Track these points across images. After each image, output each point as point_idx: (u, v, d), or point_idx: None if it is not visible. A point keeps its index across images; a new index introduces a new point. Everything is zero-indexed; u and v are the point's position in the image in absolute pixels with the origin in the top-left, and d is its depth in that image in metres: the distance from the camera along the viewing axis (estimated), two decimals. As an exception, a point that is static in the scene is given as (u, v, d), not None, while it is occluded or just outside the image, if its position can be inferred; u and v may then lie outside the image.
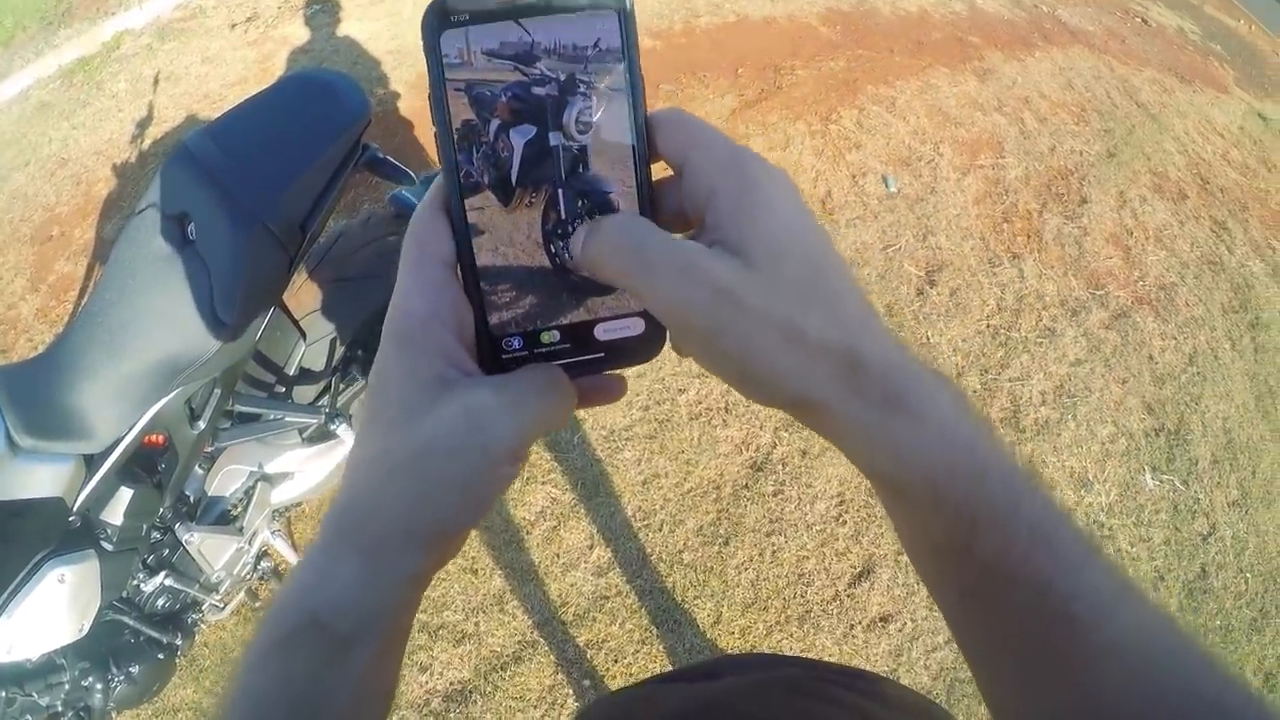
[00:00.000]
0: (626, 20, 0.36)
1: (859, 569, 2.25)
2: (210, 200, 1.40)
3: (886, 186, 3.11)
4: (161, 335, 1.39)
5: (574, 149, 0.36)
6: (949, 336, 2.71)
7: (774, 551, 2.28)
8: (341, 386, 1.98)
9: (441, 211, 0.38)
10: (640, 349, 0.39)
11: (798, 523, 2.32)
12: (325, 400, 1.92)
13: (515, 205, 0.37)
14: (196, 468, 1.77)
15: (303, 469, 2.00)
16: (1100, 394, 2.65)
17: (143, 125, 3.61)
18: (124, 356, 1.39)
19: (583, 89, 0.36)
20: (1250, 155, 4.08)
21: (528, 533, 2.32)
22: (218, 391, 1.58)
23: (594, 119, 0.36)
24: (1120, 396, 2.66)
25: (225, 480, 1.85)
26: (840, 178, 3.17)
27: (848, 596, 2.21)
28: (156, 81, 3.65)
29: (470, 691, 2.11)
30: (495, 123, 0.36)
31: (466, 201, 0.37)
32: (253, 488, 1.89)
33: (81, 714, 1.67)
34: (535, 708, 2.09)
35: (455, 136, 0.36)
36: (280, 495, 1.99)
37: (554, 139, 0.36)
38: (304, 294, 1.82)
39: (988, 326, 2.75)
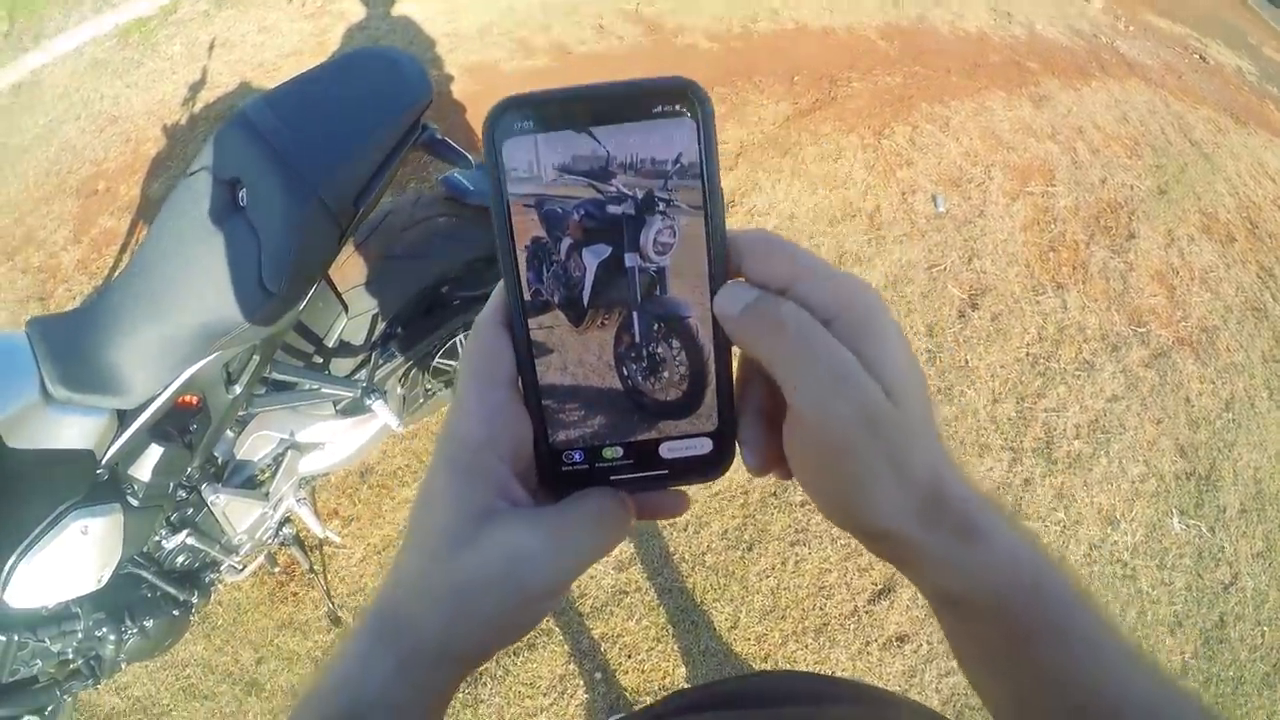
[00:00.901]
0: (706, 128, 0.34)
1: (880, 586, 2.27)
2: (266, 168, 1.40)
3: (935, 206, 3.12)
4: (205, 299, 1.38)
5: (651, 270, 0.35)
6: (988, 361, 2.72)
7: (797, 561, 2.29)
8: (380, 362, 1.98)
9: (505, 329, 0.37)
10: (706, 469, 0.39)
11: (822, 535, 2.33)
12: (362, 374, 1.93)
13: (587, 326, 0.36)
14: (228, 431, 1.77)
15: (333, 440, 2.01)
16: (1134, 432, 2.65)
17: (195, 89, 3.64)
18: (165, 316, 1.38)
19: (661, 208, 0.34)
20: (1302, 202, 4.06)
21: None
22: (256, 358, 1.58)
23: (673, 240, 0.35)
24: (1154, 436, 2.66)
25: (255, 445, 1.86)
26: (890, 194, 3.18)
27: (866, 613, 2.23)
28: (212, 47, 3.68)
29: (481, 673, 2.13)
30: (567, 241, 0.35)
31: (535, 320, 0.36)
32: (282, 455, 1.90)
33: (92, 663, 1.69)
34: (545, 695, 2.10)
35: (523, 254, 0.35)
36: (309, 465, 2.00)
37: (630, 260, 0.35)
38: (349, 268, 1.83)
39: (1027, 354, 2.75)
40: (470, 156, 1.76)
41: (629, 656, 2.17)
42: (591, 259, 0.35)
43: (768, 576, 2.26)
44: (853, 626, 2.20)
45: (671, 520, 2.32)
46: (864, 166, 3.25)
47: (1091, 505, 2.45)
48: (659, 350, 0.37)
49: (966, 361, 2.69)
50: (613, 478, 0.38)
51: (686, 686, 2.20)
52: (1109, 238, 3.22)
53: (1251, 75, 5.07)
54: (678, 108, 0.33)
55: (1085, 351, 2.78)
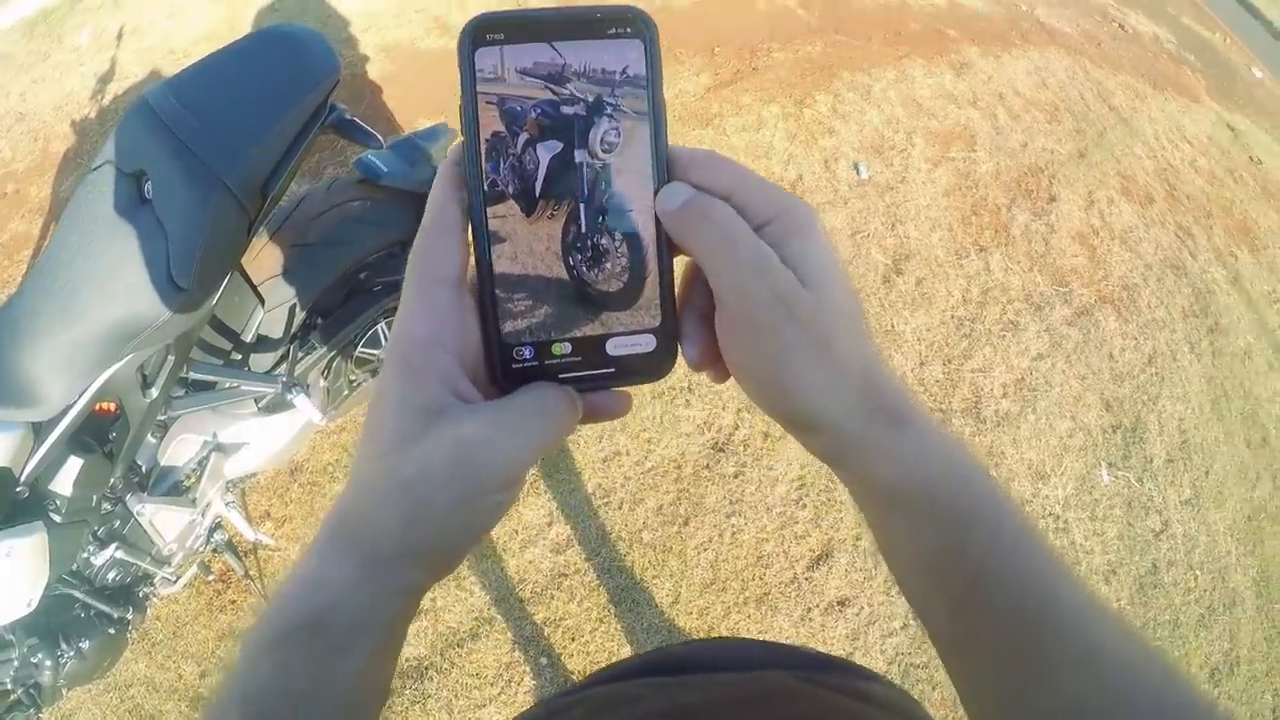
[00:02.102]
0: (651, 48, 0.39)
1: (818, 552, 2.32)
2: (169, 157, 1.36)
3: (858, 173, 3.19)
4: (114, 299, 1.34)
5: (597, 167, 0.39)
6: (914, 325, 2.79)
7: (734, 533, 2.34)
8: (300, 355, 1.96)
9: (445, 229, 0.39)
10: (650, 367, 0.41)
11: (758, 505, 2.38)
12: (283, 369, 1.90)
13: (537, 216, 0.39)
14: (149, 437, 1.74)
15: (258, 439, 1.98)
16: (1060, 389, 2.75)
17: (104, 80, 3.56)
18: (74, 320, 1.34)
19: (609, 111, 0.39)
20: (1217, 164, 4.24)
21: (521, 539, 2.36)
22: (172, 358, 1.54)
23: (618, 140, 0.39)
24: (1079, 392, 2.77)
25: (178, 450, 1.82)
26: (812, 162, 3.24)
27: (806, 580, 2.28)
28: (120, 35, 3.59)
29: (426, 668, 2.13)
30: (524, 136, 0.39)
31: (489, 210, 0.39)
32: (206, 458, 1.87)
33: (31, 691, 1.64)
34: (492, 685, 2.12)
35: (484, 146, 0.38)
36: (235, 466, 1.97)
37: (579, 156, 0.39)
38: (263, 258, 1.79)
39: (952, 317, 2.84)
40: (380, 137, 1.74)
41: (573, 639, 2.19)
42: (545, 153, 0.38)
43: (706, 549, 2.30)
44: (793, 594, 2.25)
45: (605, 498, 2.34)
46: (786, 136, 3.30)
47: (1021, 462, 2.55)
48: (603, 241, 0.40)
49: (893, 326, 2.77)
50: (561, 376, 0.40)
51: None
52: (1030, 201, 3.33)
53: (1170, 44, 5.28)
54: (628, 30, 0.39)
55: (1009, 312, 2.88)
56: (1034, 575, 0.38)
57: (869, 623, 2.23)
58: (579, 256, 0.40)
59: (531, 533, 2.30)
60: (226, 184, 1.38)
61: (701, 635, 2.21)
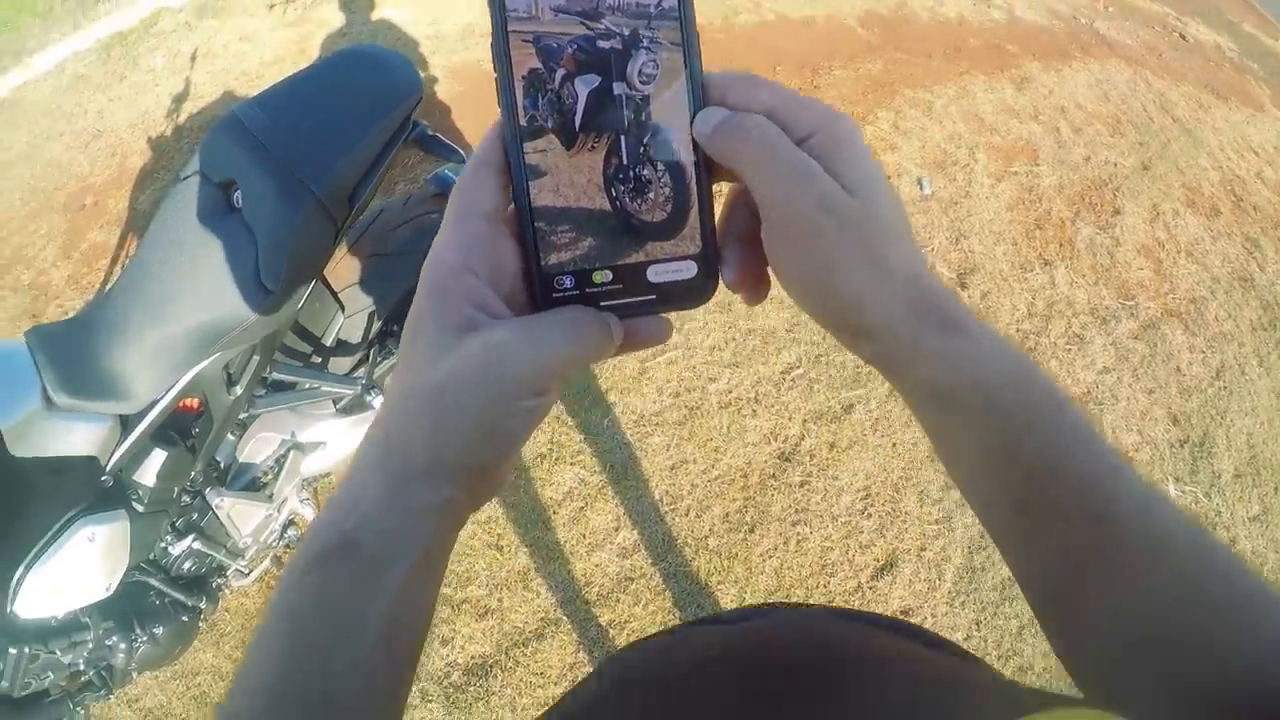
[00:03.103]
0: None
1: (882, 562, 2.32)
2: (259, 168, 1.40)
3: (921, 189, 3.19)
4: (203, 299, 1.39)
5: (636, 99, 0.39)
6: None
7: (799, 541, 2.34)
8: (379, 359, 2.01)
9: (486, 166, 0.40)
10: (691, 293, 0.42)
11: (823, 514, 2.38)
12: (361, 372, 1.96)
13: (578, 150, 0.39)
14: (229, 434, 1.79)
15: (335, 440, 2.03)
16: (1127, 403, 2.71)
17: (179, 100, 3.68)
18: (164, 319, 1.39)
19: (645, 44, 0.39)
20: (1285, 174, 4.14)
21: (554, 512, 2.38)
22: (256, 358, 1.59)
23: (656, 72, 0.39)
24: (1146, 406, 2.72)
25: (257, 447, 1.87)
26: None
27: (870, 589, 2.28)
28: (194, 58, 3.71)
29: (491, 666, 2.16)
30: (561, 72, 0.39)
31: (528, 145, 0.39)
32: (284, 456, 1.92)
33: (104, 673, 1.68)
34: (555, 684, 2.15)
35: (520, 84, 0.39)
36: (311, 465, 2.01)
37: (618, 89, 0.39)
38: (343, 267, 1.84)
39: (1017, 331, 2.81)
40: (461, 152, 1.78)
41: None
42: (583, 87, 0.39)
43: (770, 557, 2.31)
44: (857, 602, 2.25)
45: (672, 505, 2.37)
46: (849, 153, 3.32)
47: None
48: (644, 172, 0.40)
49: None
50: (603, 303, 0.41)
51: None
52: (1094, 214, 3.29)
53: (1231, 51, 5.16)
54: None
55: (1075, 326, 2.84)
56: (1096, 470, 0.38)
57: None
58: (621, 188, 0.40)
59: (599, 537, 2.33)
60: (315, 193, 1.42)
61: None
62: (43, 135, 3.99)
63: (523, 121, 0.39)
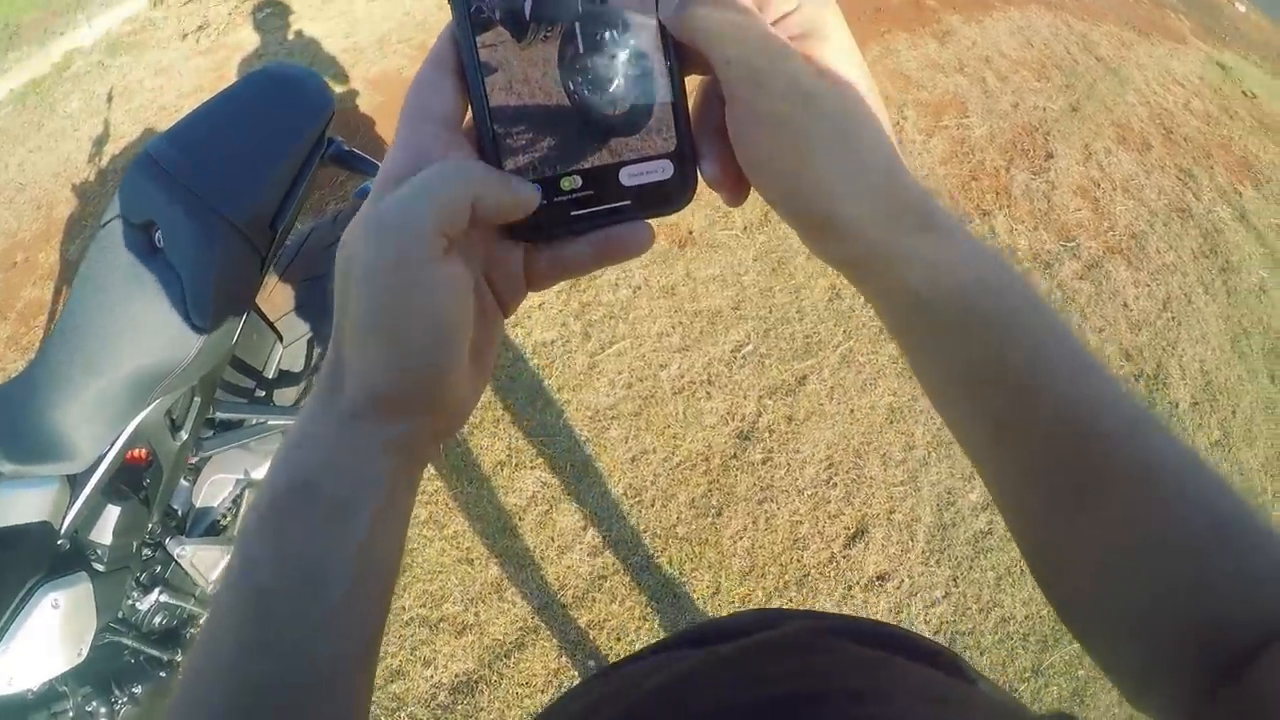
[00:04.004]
0: None
1: (853, 530, 2.29)
2: (175, 205, 1.38)
3: None
4: (136, 346, 1.36)
5: None
6: None
7: (767, 519, 2.31)
8: None
9: (436, 68, 0.36)
10: (669, 195, 0.38)
11: (789, 488, 2.35)
12: (306, 401, 1.89)
13: (530, 40, 0.35)
14: (183, 480, 1.75)
15: None
16: (1077, 343, 2.71)
17: (100, 143, 3.58)
18: (100, 371, 1.36)
19: None
20: (1211, 104, 4.16)
21: (520, 519, 2.35)
22: (197, 400, 1.56)
23: None
24: (1097, 345, 2.72)
25: (213, 490, 1.83)
26: None
27: (843, 558, 2.26)
28: (110, 98, 3.62)
29: (476, 681, 2.12)
30: None
31: (479, 38, 0.35)
32: (240, 495, 1.87)
33: None
34: (542, 692, 2.12)
35: None
36: None
37: None
38: (278, 295, 1.80)
39: None
40: (379, 165, 1.74)
41: (618, 639, 2.17)
42: None
43: (741, 538, 2.28)
44: (832, 573, 2.23)
45: (637, 497, 2.33)
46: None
47: None
48: (604, 60, 0.36)
49: None
50: (574, 213, 0.37)
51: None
52: (1028, 160, 3.29)
53: (1148, -14, 5.20)
54: None
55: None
56: (1081, 387, 0.35)
57: (910, 594, 2.20)
58: (579, 79, 0.36)
59: (568, 538, 2.29)
60: (233, 223, 1.39)
61: None
62: (-37, 196, 3.85)
63: (470, 9, 0.35)
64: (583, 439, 2.43)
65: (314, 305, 1.83)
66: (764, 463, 2.38)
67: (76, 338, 1.38)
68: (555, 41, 0.35)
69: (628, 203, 0.37)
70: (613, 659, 2.14)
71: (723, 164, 0.37)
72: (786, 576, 2.23)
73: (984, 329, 0.35)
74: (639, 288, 2.75)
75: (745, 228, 2.91)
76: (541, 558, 2.28)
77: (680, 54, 0.36)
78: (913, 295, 0.35)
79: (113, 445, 1.41)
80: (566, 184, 0.36)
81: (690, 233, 2.90)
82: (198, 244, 1.36)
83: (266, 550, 0.35)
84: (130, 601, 1.66)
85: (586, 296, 2.75)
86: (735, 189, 0.38)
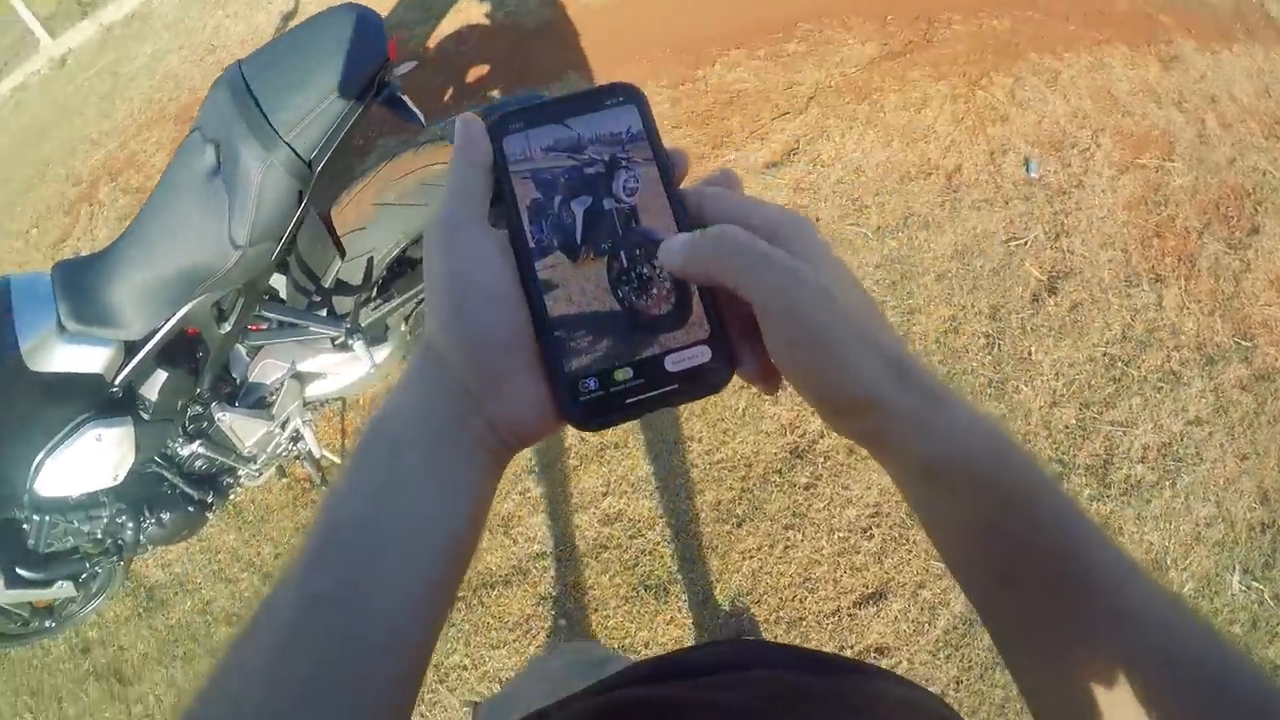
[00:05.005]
0: (644, 109, 0.34)
1: (871, 590, 1.50)
2: (234, 129, 1.19)
3: (1027, 170, 2.02)
4: (187, 247, 1.21)
5: (625, 209, 0.33)
6: (1056, 357, 1.74)
7: (786, 547, 1.55)
8: (379, 302, 1.59)
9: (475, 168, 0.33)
10: (710, 377, 0.32)
11: (821, 523, 1.55)
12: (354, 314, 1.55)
13: (582, 261, 0.32)
14: (244, 356, 1.55)
15: (335, 371, 1.64)
16: (1212, 466, 1.65)
17: (287, 18, 3.11)
18: (157, 263, 1.22)
19: (624, 164, 0.33)
20: None
21: (548, 467, 1.81)
22: (242, 300, 1.35)
23: (638, 185, 0.33)
24: (1234, 474, 1.65)
25: (264, 371, 1.57)
26: (976, 152, 2.09)
27: (849, 616, 1.48)
28: (306, -26, 3.24)
29: (456, 599, 1.63)
30: (559, 198, 0.33)
31: (539, 263, 0.32)
32: (287, 381, 1.57)
33: (118, 543, 1.53)
34: (510, 631, 1.67)
35: (526, 213, 0.32)
36: (314, 390, 1.66)
37: (608, 204, 0.33)
38: (348, 213, 1.47)
39: (1104, 355, 1.75)
40: (423, 120, 1.40)
41: (595, 610, 1.58)
42: (579, 207, 0.33)
43: (751, 557, 1.53)
44: (830, 627, 1.45)
45: (665, 482, 1.71)
46: (951, 119, 2.15)
47: (1140, 543, 1.53)
48: (644, 270, 0.32)
49: (1030, 353, 1.72)
50: (628, 400, 0.31)
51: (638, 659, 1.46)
52: (1227, 229, 2.03)
53: None
54: (621, 99, 0.34)
55: (1174, 361, 1.73)
56: (1075, 545, 0.29)
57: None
58: (626, 288, 0.32)
59: (585, 499, 1.64)
60: (277, 157, 1.18)
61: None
62: (164, 48, 3.48)
63: (531, 244, 0.32)
64: None
65: (378, 228, 1.47)
66: (806, 488, 1.57)
67: (146, 228, 1.25)
68: (603, 260, 0.33)
69: (674, 386, 0.32)
70: (583, 625, 1.60)
71: (759, 362, 0.33)
72: (782, 613, 1.51)
73: (987, 493, 0.30)
74: None
75: (878, 229, 1.92)
76: (555, 509, 1.73)
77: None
78: (924, 461, 0.30)
79: (165, 323, 1.28)
80: (620, 375, 0.31)
81: (817, 219, 1.92)
82: (244, 171, 1.18)
83: (351, 481, 0.30)
84: (173, 446, 1.51)
85: None
86: (770, 382, 0.34)
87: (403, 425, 0.29)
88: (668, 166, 0.33)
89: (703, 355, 0.31)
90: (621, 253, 0.32)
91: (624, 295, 0.31)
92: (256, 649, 0.27)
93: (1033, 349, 1.77)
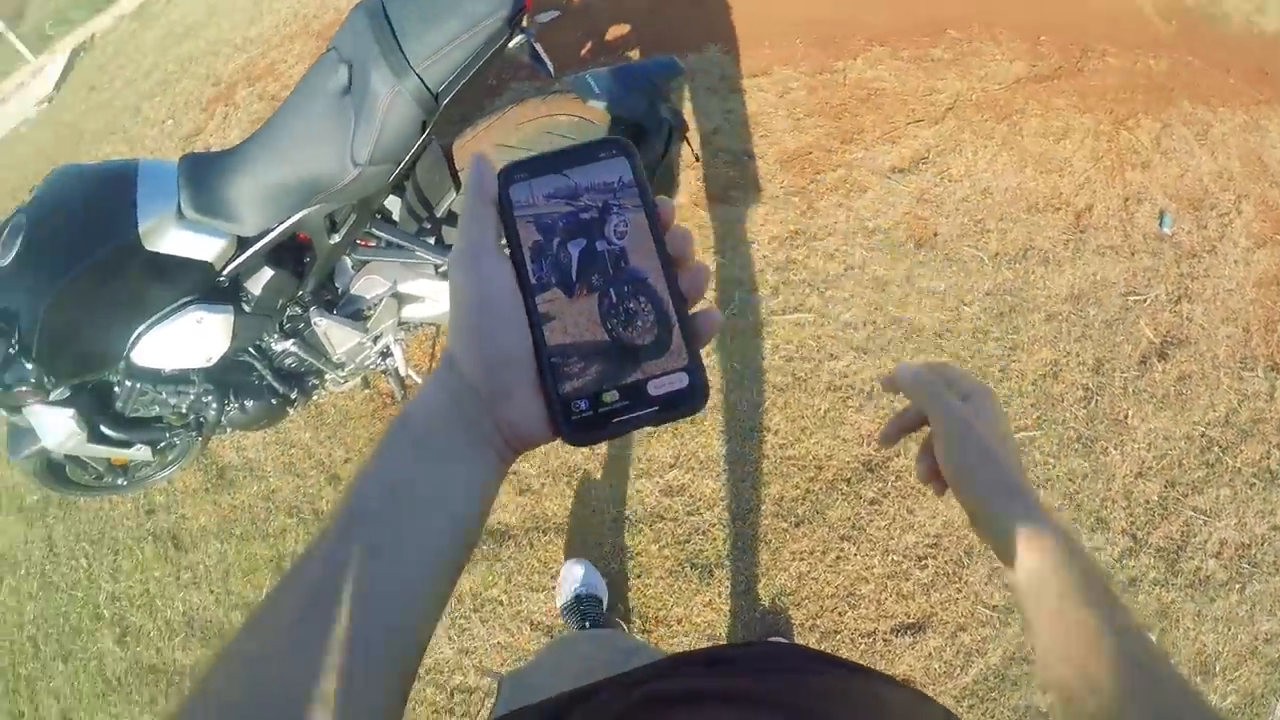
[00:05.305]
0: (634, 161, 0.35)
1: (912, 621, 1.34)
2: (368, 54, 1.10)
3: (1160, 225, 1.74)
4: (309, 158, 1.13)
5: (615, 250, 0.33)
6: (1151, 426, 1.52)
7: (838, 557, 1.40)
8: None
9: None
10: (687, 401, 0.32)
11: (878, 543, 1.40)
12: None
13: (577, 296, 0.33)
14: (348, 268, 1.43)
15: (433, 297, 1.51)
16: (1290, 577, 1.40)
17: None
18: (279, 167, 1.15)
19: (615, 210, 0.34)
20: None
21: None
22: (354, 216, 1.26)
23: (627, 229, 0.34)
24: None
25: (366, 285, 1.45)
26: (1111, 195, 1.81)
27: (883, 641, 1.35)
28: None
29: (508, 537, 1.57)
30: (557, 239, 0.33)
31: (538, 297, 0.33)
32: (386, 298, 1.46)
33: (200, 420, 1.48)
34: (552, 578, 1.53)
35: (528, 252, 0.33)
36: (408, 312, 1.53)
37: (600, 245, 0.33)
38: (469, 148, 1.37)
39: (1202, 435, 1.52)
40: (552, 71, 1.26)
41: (638, 575, 1.50)
42: (574, 248, 0.34)
43: (802, 559, 1.39)
44: (863, 647, 1.34)
45: (733, 467, 1.57)
46: (1089, 156, 1.84)
47: (1194, 642, 1.35)
48: (631, 305, 0.33)
49: (1126, 416, 1.50)
50: (614, 420, 0.32)
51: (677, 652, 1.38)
52: (1365, 326, 1.70)
53: None
54: (614, 152, 0.35)
55: (1273, 459, 1.52)
56: (1136, 654, 0.32)
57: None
58: (615, 320, 0.33)
59: (652, 466, 1.54)
60: (407, 86, 1.09)
61: (745, 638, 1.40)
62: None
63: (533, 281, 0.33)
64: (717, 386, 1.66)
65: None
66: (871, 503, 1.41)
67: (275, 134, 1.18)
68: (595, 296, 0.33)
69: (655, 408, 0.32)
70: (621, 587, 1.48)
71: (930, 470, 0.43)
72: (818, 622, 1.38)
73: (1080, 613, 0.33)
74: (852, 269, 1.66)
75: (996, 255, 1.67)
76: (620, 470, 1.63)
77: (682, 295, 0.33)
78: (1035, 580, 0.36)
79: (279, 225, 1.20)
80: (607, 397, 0.32)
81: (935, 234, 1.67)
82: (372, 95, 1.09)
83: (375, 470, 0.30)
84: (268, 341, 1.43)
85: (797, 254, 1.70)
86: (938, 486, 0.43)
87: (425, 421, 0.30)
88: (654, 213, 0.34)
89: (680, 380, 0.32)
90: (611, 289, 0.32)
91: (613, 327, 0.32)
92: (280, 612, 0.27)
93: (1130, 413, 1.55)
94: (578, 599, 1.38)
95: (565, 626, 1.41)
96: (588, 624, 1.33)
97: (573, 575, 1.43)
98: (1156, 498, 1.47)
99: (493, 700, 1.40)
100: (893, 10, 2.31)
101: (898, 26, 2.27)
